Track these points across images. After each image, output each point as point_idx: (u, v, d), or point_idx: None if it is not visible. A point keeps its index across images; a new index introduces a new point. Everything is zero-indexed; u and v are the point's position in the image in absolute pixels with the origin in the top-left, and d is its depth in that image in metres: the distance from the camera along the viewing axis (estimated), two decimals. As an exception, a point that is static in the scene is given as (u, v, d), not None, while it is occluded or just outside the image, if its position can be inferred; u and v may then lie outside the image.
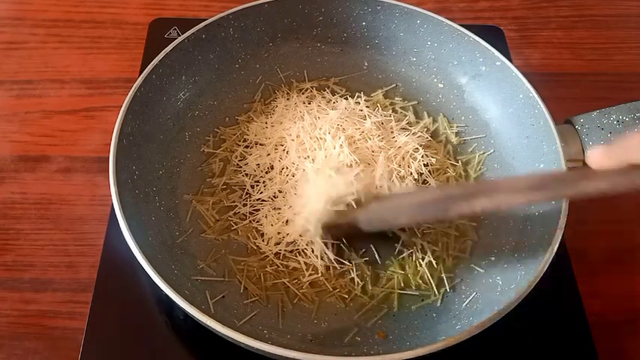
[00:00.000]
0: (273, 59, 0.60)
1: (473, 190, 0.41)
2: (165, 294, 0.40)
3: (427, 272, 0.48)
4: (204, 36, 0.55)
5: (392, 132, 0.54)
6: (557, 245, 0.43)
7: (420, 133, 0.55)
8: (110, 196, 0.44)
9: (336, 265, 0.47)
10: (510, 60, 0.55)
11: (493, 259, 0.49)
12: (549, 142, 0.49)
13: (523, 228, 0.49)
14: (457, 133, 0.57)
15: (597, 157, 0.35)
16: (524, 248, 0.47)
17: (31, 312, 0.49)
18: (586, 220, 0.53)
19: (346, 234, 0.47)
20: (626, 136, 0.34)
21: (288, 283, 0.47)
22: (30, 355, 0.47)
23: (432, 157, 0.53)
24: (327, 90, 0.59)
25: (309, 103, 0.56)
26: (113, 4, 0.70)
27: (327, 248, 0.47)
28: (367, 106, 0.56)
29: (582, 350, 0.47)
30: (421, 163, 0.52)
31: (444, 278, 0.48)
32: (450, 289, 0.47)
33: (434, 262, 0.48)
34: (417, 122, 0.57)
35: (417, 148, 0.53)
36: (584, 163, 0.49)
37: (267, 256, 0.48)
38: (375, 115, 0.55)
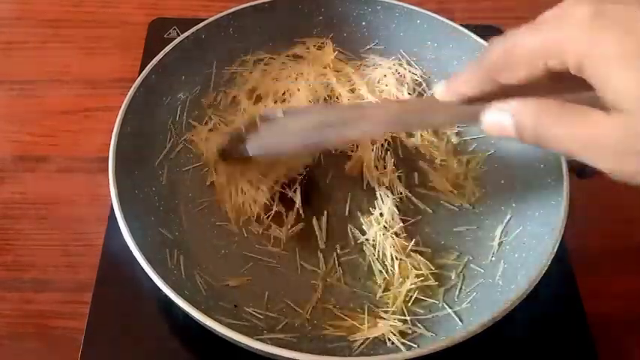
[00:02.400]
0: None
1: (348, 116, 0.43)
2: (165, 294, 0.40)
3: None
4: (203, 36, 0.55)
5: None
6: (557, 245, 0.43)
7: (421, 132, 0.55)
8: (110, 196, 0.44)
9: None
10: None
11: (493, 258, 0.49)
12: (549, 142, 0.49)
13: (523, 228, 0.49)
14: (457, 133, 0.57)
15: (439, 92, 0.38)
16: (524, 248, 0.47)
17: (31, 312, 0.49)
18: (586, 220, 0.53)
19: (241, 163, 0.50)
20: (460, 72, 0.36)
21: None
22: (30, 355, 0.47)
23: (435, 157, 0.54)
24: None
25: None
26: (113, 4, 0.70)
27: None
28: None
29: (582, 350, 0.47)
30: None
31: (444, 278, 0.48)
32: (449, 288, 0.47)
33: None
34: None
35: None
36: None
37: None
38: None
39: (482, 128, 0.35)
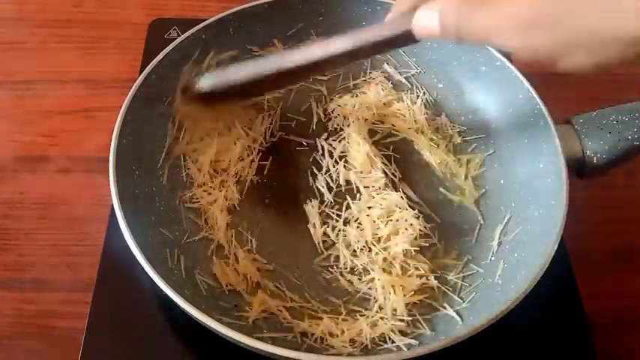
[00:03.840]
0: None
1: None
2: (165, 294, 0.40)
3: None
4: (203, 36, 0.55)
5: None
6: (556, 245, 0.43)
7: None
8: (110, 196, 0.44)
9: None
10: (510, 60, 0.55)
11: (493, 259, 0.49)
12: (549, 142, 0.49)
13: (523, 228, 0.49)
14: (457, 133, 0.57)
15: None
16: (524, 248, 0.47)
17: (31, 312, 0.49)
18: (586, 220, 0.53)
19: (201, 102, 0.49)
20: None
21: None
22: (30, 355, 0.47)
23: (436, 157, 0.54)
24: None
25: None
26: (113, 5, 0.70)
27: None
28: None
29: (582, 350, 0.47)
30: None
31: (444, 277, 0.48)
32: (449, 289, 0.47)
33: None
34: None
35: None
36: None
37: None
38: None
39: (414, 32, 0.36)
